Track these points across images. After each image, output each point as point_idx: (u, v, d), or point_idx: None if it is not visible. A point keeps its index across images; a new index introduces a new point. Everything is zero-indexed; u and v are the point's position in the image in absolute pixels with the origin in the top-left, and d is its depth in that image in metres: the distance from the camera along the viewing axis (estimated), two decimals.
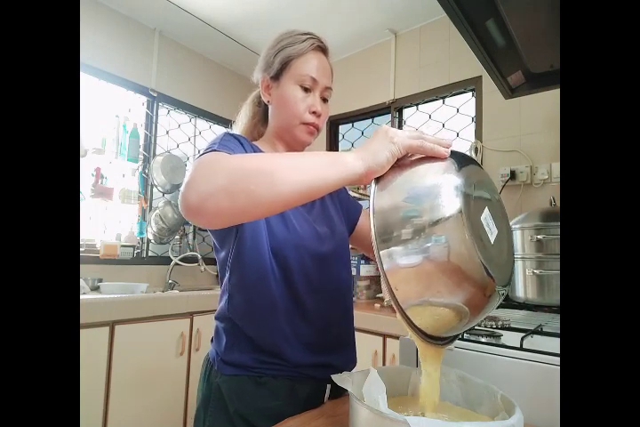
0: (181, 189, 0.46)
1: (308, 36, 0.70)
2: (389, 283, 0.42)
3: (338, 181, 0.45)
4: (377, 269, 0.45)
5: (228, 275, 0.67)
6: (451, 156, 0.46)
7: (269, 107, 0.74)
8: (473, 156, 1.91)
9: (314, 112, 0.69)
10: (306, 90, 0.69)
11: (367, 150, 0.46)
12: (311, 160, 0.46)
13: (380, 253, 0.42)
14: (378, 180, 0.46)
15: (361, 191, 2.09)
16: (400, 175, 0.45)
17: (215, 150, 0.54)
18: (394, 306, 0.43)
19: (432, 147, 0.45)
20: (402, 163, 0.47)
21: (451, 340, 0.49)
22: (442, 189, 0.42)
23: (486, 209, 0.45)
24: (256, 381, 0.63)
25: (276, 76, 0.70)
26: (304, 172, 0.45)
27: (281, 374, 0.64)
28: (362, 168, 0.45)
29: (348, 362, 0.72)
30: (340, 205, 0.81)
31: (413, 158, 0.47)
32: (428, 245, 0.40)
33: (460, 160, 0.46)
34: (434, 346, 0.46)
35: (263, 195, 0.43)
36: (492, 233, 0.44)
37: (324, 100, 0.72)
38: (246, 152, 0.63)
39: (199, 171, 0.46)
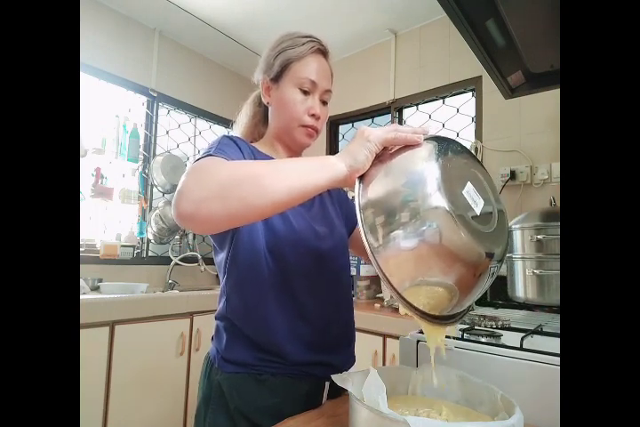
0: (174, 196, 0.47)
1: (309, 39, 0.70)
2: (383, 271, 0.43)
3: (324, 183, 0.48)
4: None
5: (225, 277, 0.67)
6: (429, 140, 0.48)
7: (269, 108, 0.75)
8: None
9: (313, 115, 0.70)
10: (305, 93, 0.70)
11: (346, 152, 0.49)
12: (298, 165, 0.49)
13: (370, 245, 0.44)
14: (362, 177, 0.49)
15: None
16: (381, 169, 0.48)
17: (211, 155, 0.55)
18: (390, 292, 0.44)
19: (405, 136, 0.47)
20: (382, 158, 0.49)
21: (454, 319, 0.50)
22: (420, 176, 0.44)
23: (468, 183, 0.46)
24: (256, 378, 0.63)
25: (276, 79, 0.71)
26: (292, 177, 0.47)
27: (280, 372, 0.64)
28: (344, 169, 0.48)
29: (347, 360, 0.73)
30: (339, 208, 0.81)
31: (392, 151, 0.49)
32: (415, 233, 0.42)
33: (438, 143, 0.48)
34: (437, 325, 0.47)
35: (254, 200, 0.45)
36: (478, 205, 0.46)
37: (324, 102, 0.73)
38: (244, 155, 0.64)
39: (192, 178, 0.48)
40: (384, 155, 0.49)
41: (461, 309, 0.49)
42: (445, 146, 0.48)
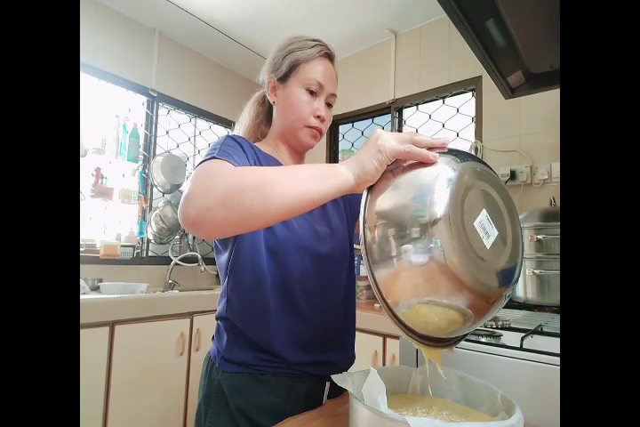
0: (181, 201, 0.47)
1: (317, 43, 0.72)
2: (381, 292, 0.43)
3: (330, 193, 0.47)
4: None
5: (226, 278, 0.67)
6: (446, 154, 0.46)
7: (274, 108, 0.75)
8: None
9: (318, 116, 0.71)
10: (311, 93, 0.70)
11: (356, 161, 0.47)
12: (304, 173, 0.47)
13: (371, 262, 0.43)
14: (370, 188, 0.47)
15: None
16: (390, 184, 0.45)
17: (215, 157, 0.54)
18: (386, 314, 0.44)
19: (420, 152, 0.45)
20: (394, 171, 0.46)
21: (452, 342, 0.49)
22: (429, 201, 0.41)
23: (483, 212, 0.44)
24: (256, 378, 0.64)
25: (284, 78, 0.72)
26: (298, 185, 0.46)
27: (281, 372, 0.64)
28: (352, 179, 0.47)
29: (347, 359, 0.73)
30: (348, 206, 0.80)
31: (406, 164, 0.46)
32: (416, 257, 0.40)
33: (454, 161, 0.45)
34: (432, 348, 0.46)
35: (259, 209, 0.44)
36: (490, 237, 0.44)
37: (328, 105, 0.73)
38: (247, 156, 0.64)
39: (198, 184, 0.48)
40: (397, 167, 0.46)
41: (463, 332, 0.48)
42: (462, 167, 0.44)
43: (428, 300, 0.41)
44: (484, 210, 0.44)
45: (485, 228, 0.44)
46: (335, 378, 0.49)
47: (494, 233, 0.44)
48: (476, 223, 0.43)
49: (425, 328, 0.44)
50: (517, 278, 0.46)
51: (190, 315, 1.76)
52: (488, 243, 0.43)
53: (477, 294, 0.41)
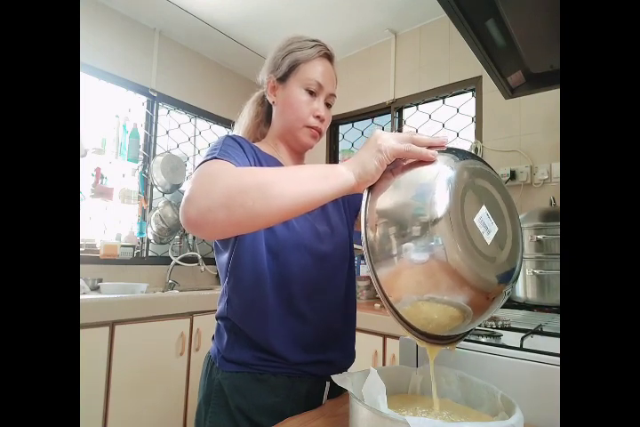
0: (182, 202, 0.47)
1: (316, 43, 0.72)
2: (383, 290, 0.43)
3: (331, 193, 0.47)
4: None
5: (226, 278, 0.68)
6: (445, 152, 0.46)
7: (274, 108, 0.75)
8: None
9: (318, 116, 0.71)
10: (311, 93, 0.70)
11: (356, 161, 0.48)
12: (305, 174, 0.48)
13: (373, 261, 0.43)
14: (371, 188, 0.47)
15: None
16: (390, 183, 0.46)
17: (216, 158, 0.54)
18: (388, 310, 0.44)
19: (419, 151, 0.45)
20: (394, 170, 0.47)
21: (454, 340, 0.49)
22: (429, 199, 0.41)
23: (483, 208, 0.44)
24: (256, 377, 0.64)
25: (283, 78, 0.72)
26: (299, 186, 0.46)
27: (281, 372, 0.64)
28: (353, 179, 0.47)
29: (347, 357, 0.73)
30: (347, 205, 0.80)
31: (405, 163, 0.47)
32: (420, 252, 0.40)
33: (453, 159, 0.45)
34: (434, 346, 0.46)
35: (260, 210, 0.44)
36: (491, 232, 0.44)
37: (328, 105, 0.74)
38: (247, 156, 0.64)
39: (199, 184, 0.48)
40: (396, 166, 0.47)
41: (463, 331, 0.48)
42: (462, 165, 0.45)
43: (428, 297, 0.41)
44: (483, 206, 0.45)
45: (485, 223, 0.44)
46: (335, 378, 0.49)
47: (494, 229, 0.45)
48: (476, 219, 0.43)
49: (426, 326, 0.44)
50: (518, 275, 0.46)
51: (190, 315, 1.76)
52: (489, 238, 0.44)
53: (478, 291, 0.41)
